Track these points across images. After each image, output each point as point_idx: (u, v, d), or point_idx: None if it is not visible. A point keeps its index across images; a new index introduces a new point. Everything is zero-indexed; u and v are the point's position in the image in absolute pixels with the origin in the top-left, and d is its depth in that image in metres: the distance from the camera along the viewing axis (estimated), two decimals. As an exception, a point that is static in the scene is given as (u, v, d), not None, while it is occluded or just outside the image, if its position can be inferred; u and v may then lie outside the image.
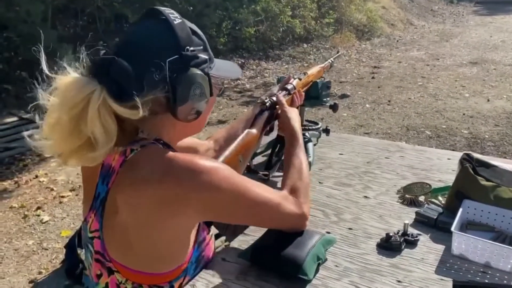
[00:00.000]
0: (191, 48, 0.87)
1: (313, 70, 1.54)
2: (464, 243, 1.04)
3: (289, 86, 1.33)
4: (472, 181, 1.20)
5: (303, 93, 1.40)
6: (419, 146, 1.83)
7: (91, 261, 0.93)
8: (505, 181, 1.20)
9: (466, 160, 1.26)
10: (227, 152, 1.08)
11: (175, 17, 0.88)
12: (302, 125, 1.62)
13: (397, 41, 10.03)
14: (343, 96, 6.01)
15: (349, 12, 9.98)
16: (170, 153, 0.86)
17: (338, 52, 1.79)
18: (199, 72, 0.88)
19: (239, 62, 7.49)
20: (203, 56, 0.90)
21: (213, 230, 1.07)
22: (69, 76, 0.82)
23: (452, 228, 1.05)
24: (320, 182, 1.45)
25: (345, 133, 4.67)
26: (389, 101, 5.73)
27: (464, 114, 5.08)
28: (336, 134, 1.96)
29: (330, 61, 1.70)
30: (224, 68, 1.01)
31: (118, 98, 0.80)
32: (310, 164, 1.46)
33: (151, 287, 0.89)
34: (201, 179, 0.83)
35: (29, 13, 5.35)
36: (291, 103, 1.34)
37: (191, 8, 7.16)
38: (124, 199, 0.84)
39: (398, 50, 9.16)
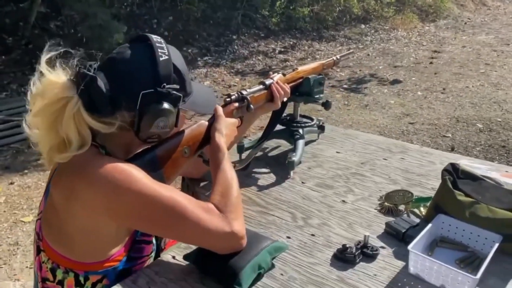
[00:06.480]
0: (167, 86, 0.92)
1: (306, 67, 1.48)
2: (420, 263, 0.97)
3: (268, 81, 1.29)
4: (449, 195, 1.11)
5: (288, 88, 1.34)
6: (426, 147, 1.72)
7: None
8: (487, 198, 1.10)
9: (448, 171, 1.17)
10: (167, 144, 1.01)
11: (163, 53, 0.93)
12: (295, 121, 1.58)
13: (465, 23, 9.36)
14: (395, 81, 5.75)
15: (414, -10, 9.44)
16: (92, 156, 0.90)
17: (349, 50, 1.68)
18: (168, 107, 0.92)
19: (291, 42, 7.36)
20: (177, 93, 0.94)
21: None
22: (56, 75, 0.90)
23: (410, 247, 0.98)
24: (302, 182, 1.41)
25: (389, 121, 4.49)
26: (443, 89, 5.41)
27: (525, 107, 4.68)
28: (343, 129, 1.89)
29: (335, 59, 1.61)
30: (197, 103, 1.04)
31: (91, 112, 0.88)
32: (294, 163, 1.43)
33: (67, 270, 0.95)
34: (107, 179, 0.86)
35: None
36: (271, 98, 1.30)
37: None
38: (53, 185, 0.94)
39: (464, 33, 8.55)
